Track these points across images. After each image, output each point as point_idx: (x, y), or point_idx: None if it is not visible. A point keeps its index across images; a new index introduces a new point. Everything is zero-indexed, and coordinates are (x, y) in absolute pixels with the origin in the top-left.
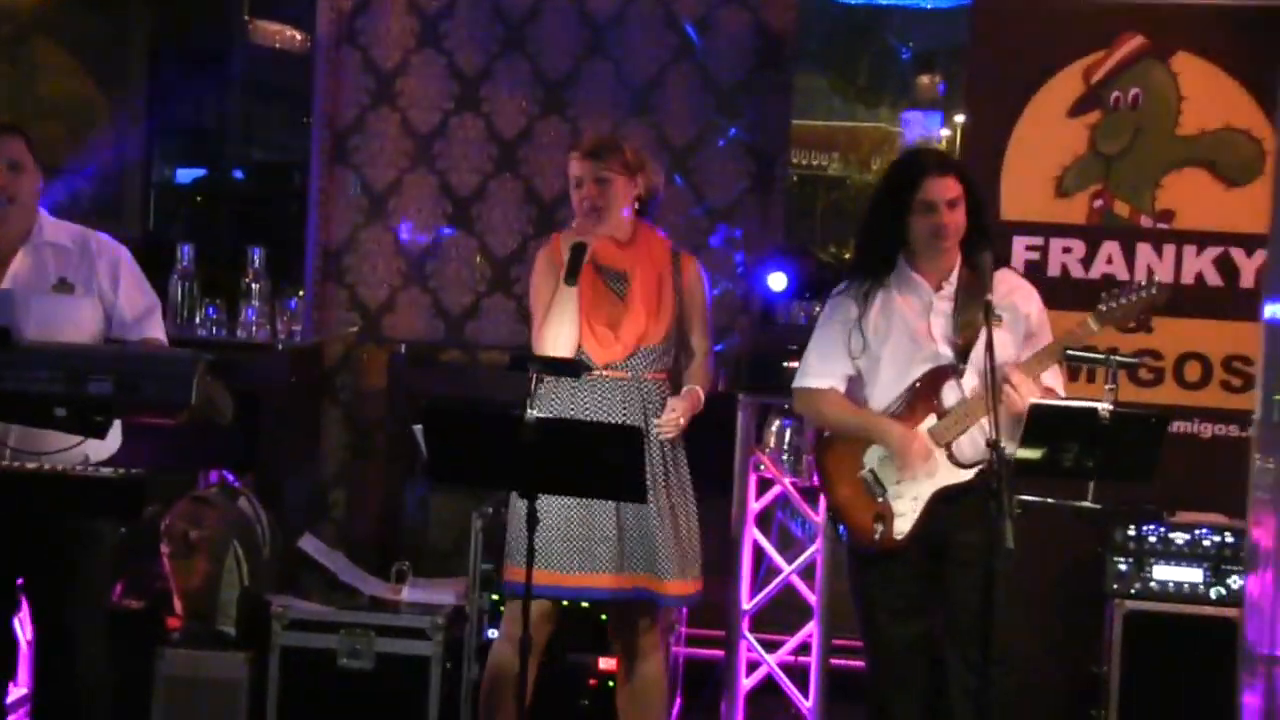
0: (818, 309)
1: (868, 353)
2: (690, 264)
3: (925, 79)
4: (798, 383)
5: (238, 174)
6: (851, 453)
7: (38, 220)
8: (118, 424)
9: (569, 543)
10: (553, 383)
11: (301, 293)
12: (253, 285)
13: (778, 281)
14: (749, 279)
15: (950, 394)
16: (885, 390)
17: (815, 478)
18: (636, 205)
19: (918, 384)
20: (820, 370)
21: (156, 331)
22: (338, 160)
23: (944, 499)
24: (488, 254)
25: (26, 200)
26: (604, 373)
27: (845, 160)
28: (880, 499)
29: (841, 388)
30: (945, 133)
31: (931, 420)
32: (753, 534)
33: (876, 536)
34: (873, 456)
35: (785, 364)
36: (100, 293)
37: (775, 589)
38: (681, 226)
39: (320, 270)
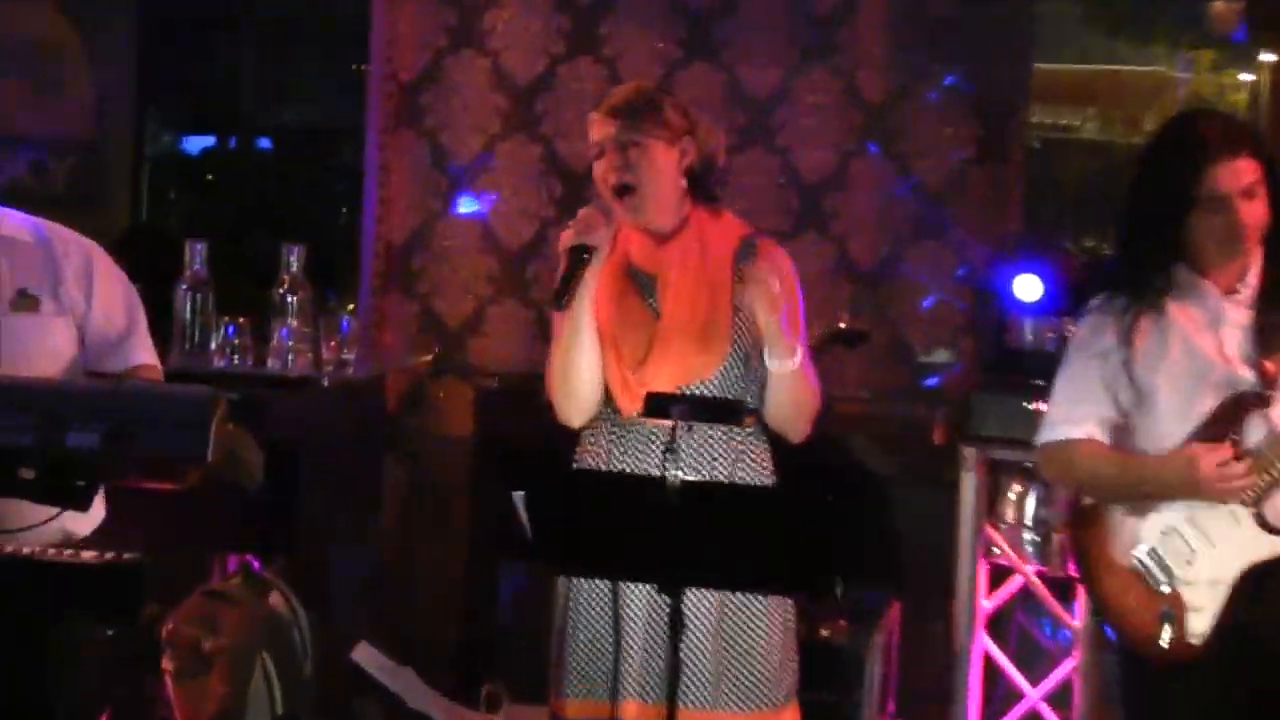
0: (1072, 328)
1: (1137, 389)
2: (769, 252)
3: (1220, 3)
4: (1043, 436)
5: (264, 143)
6: (1121, 527)
7: None
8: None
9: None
10: (594, 431)
11: (354, 307)
12: (288, 298)
13: (1028, 288)
14: (976, 284)
15: (1256, 431)
16: (1164, 433)
17: (1071, 564)
18: (686, 181)
19: (1209, 419)
20: (1070, 416)
21: (146, 355)
22: (404, 123)
23: (1255, 579)
24: None
25: None
26: (646, 420)
27: (1106, 118)
28: (1165, 588)
29: (1102, 438)
30: (1247, 78)
31: None
32: (983, 644)
33: (1164, 642)
34: (1152, 529)
35: (1028, 404)
36: (71, 306)
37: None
38: (876, 211)
39: (381, 276)
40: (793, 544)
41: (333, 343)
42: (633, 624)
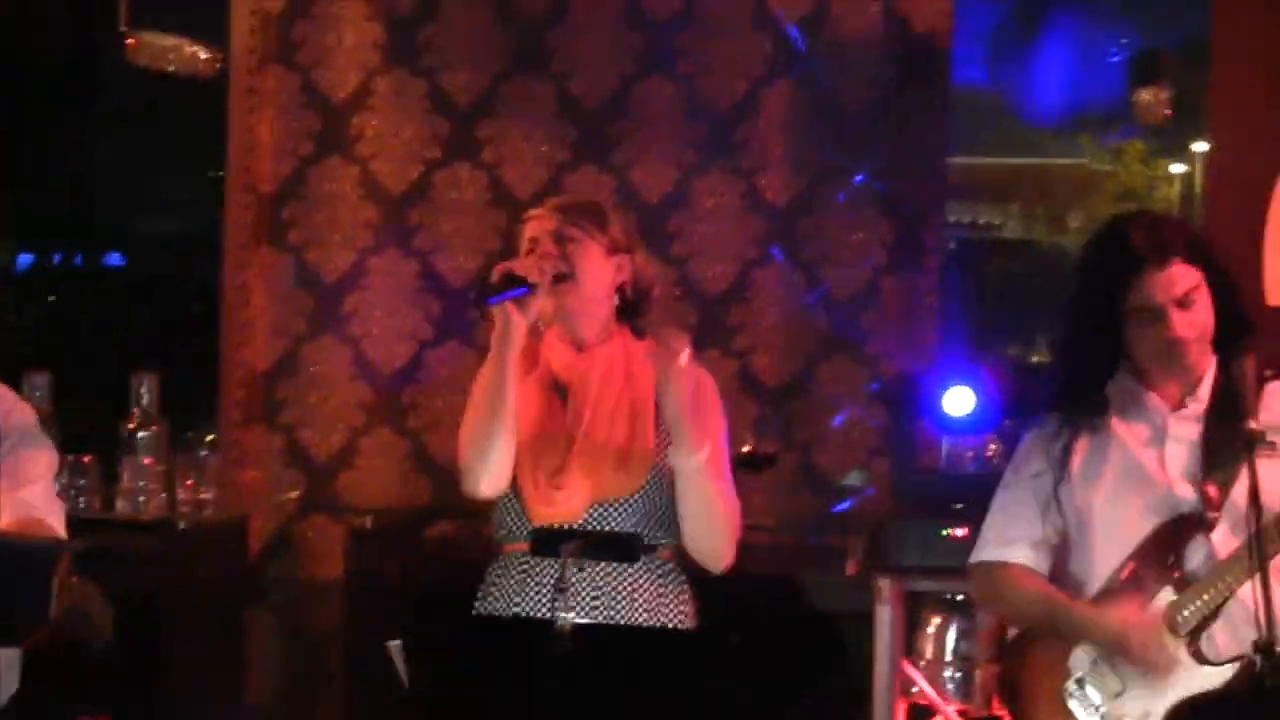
0: (993, 447)
1: (1072, 513)
2: (661, 344)
3: (1147, 93)
4: (974, 556)
5: (114, 259)
6: (1051, 658)
7: None
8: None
9: None
10: (500, 567)
11: (212, 437)
12: (139, 434)
13: (959, 401)
14: (890, 400)
15: (1195, 556)
16: (1102, 557)
17: (997, 700)
18: (618, 301)
19: (1146, 542)
20: (1002, 537)
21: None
22: (267, 238)
23: (1187, 715)
24: None
25: None
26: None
27: (1028, 215)
28: None
29: (1034, 563)
30: (1179, 169)
31: (1168, 595)
32: None
33: None
34: (1081, 661)
35: (947, 531)
36: None
37: None
38: (782, 324)
39: (242, 406)
40: (694, 690)
41: (189, 481)
42: None
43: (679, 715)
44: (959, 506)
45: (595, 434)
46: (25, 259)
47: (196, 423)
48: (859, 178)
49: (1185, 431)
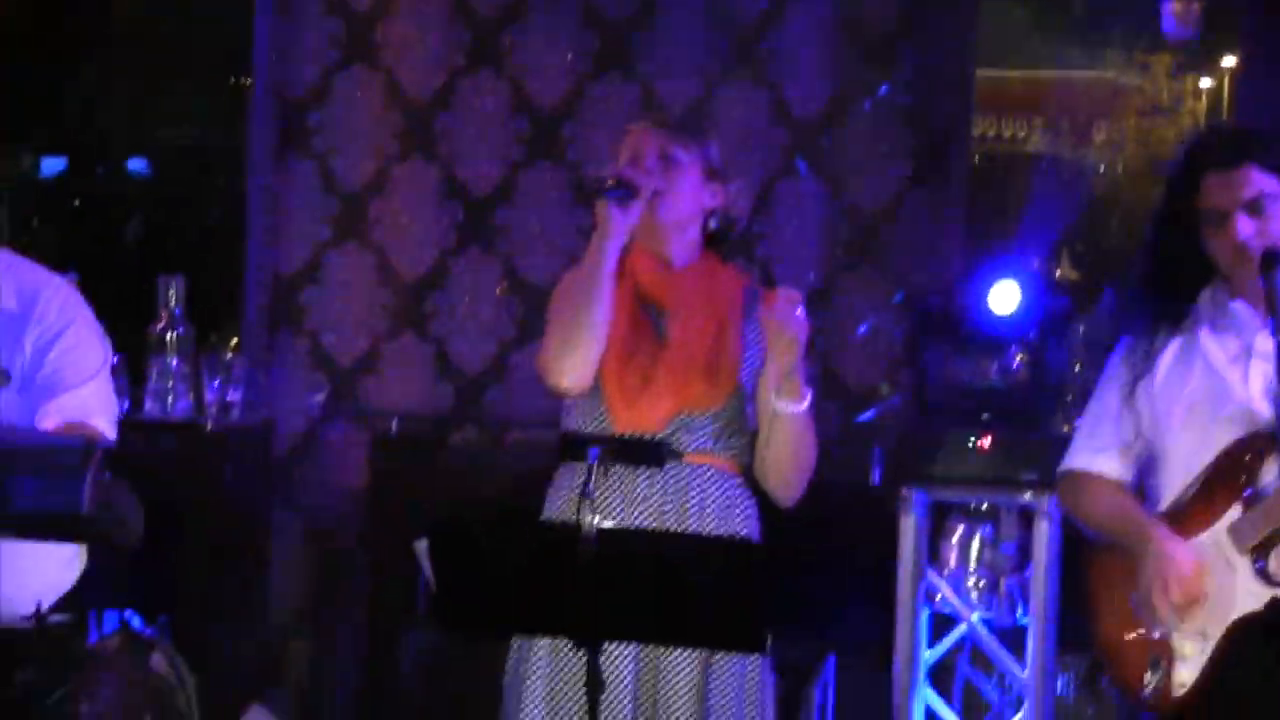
0: (1020, 357)
1: (1151, 422)
2: (777, 298)
3: (1178, 5)
4: (1063, 464)
5: (136, 165)
6: (1125, 567)
7: None
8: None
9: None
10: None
11: (237, 341)
12: (166, 335)
13: (1004, 297)
14: (916, 310)
15: (1268, 475)
16: (1176, 470)
17: (1020, 611)
18: (706, 227)
19: (1221, 460)
20: (1088, 445)
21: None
22: (291, 145)
23: (1244, 633)
24: (519, 283)
25: None
26: (569, 463)
27: (1053, 129)
28: (1157, 633)
29: (1118, 473)
30: (1206, 84)
31: (1236, 513)
32: (926, 697)
33: (1148, 691)
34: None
35: (972, 441)
36: (25, 376)
37: None
38: (806, 236)
39: (267, 311)
40: (718, 595)
41: (216, 383)
42: (619, 694)
43: (702, 623)
44: (984, 417)
45: (682, 348)
46: (49, 166)
47: (222, 328)
48: (884, 90)
49: (1272, 348)
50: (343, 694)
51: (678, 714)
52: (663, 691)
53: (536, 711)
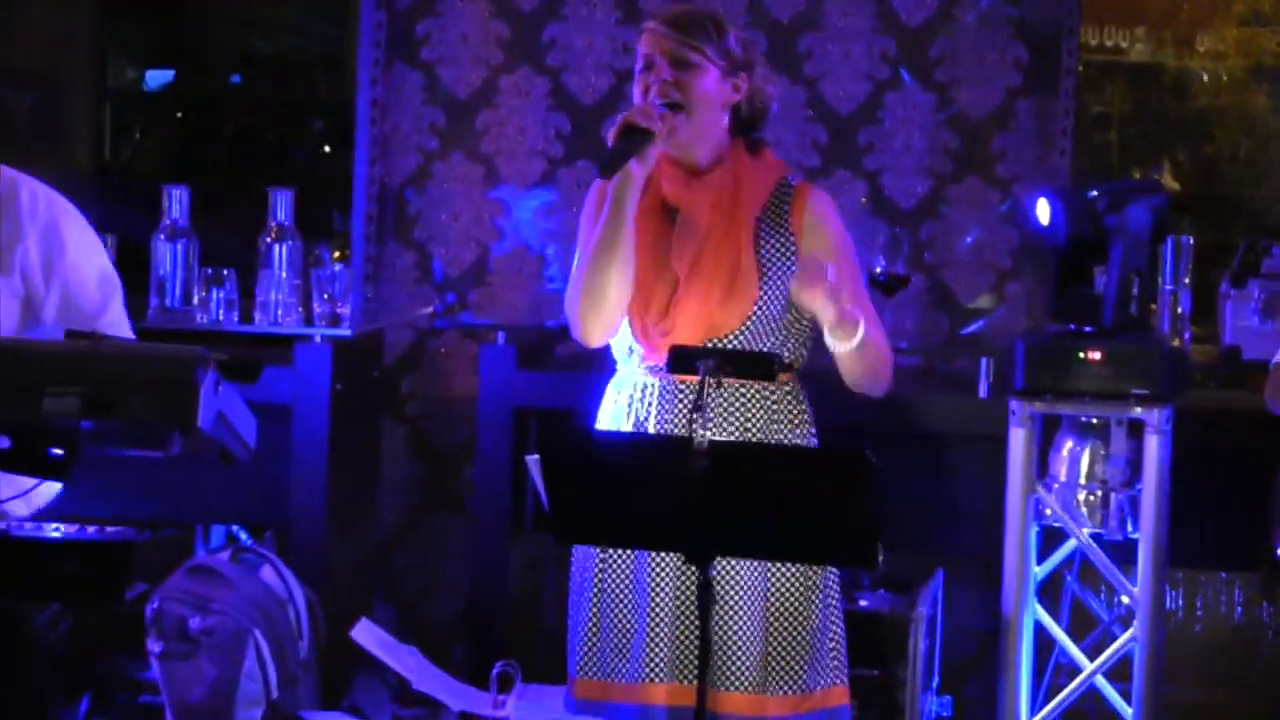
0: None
1: None
2: (808, 198)
3: None
4: (1276, 356)
5: (238, 78)
6: None
7: None
8: None
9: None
10: (632, 388)
11: (344, 253)
12: (275, 247)
13: (1042, 213)
14: (1026, 222)
15: None
16: None
17: (1131, 527)
18: (732, 121)
19: None
20: None
21: (119, 329)
22: (398, 54)
23: None
24: None
25: None
26: (676, 376)
27: (1155, 38)
28: None
29: None
30: None
31: None
32: (1035, 613)
33: None
34: None
35: (1082, 354)
36: (24, 272)
37: (1073, 697)
38: (913, 146)
39: (375, 221)
40: (830, 509)
41: (325, 296)
42: (659, 598)
43: (814, 537)
44: (1091, 329)
45: (703, 269)
46: (153, 77)
47: (330, 239)
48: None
49: None
50: (450, 606)
51: (740, 614)
52: (727, 593)
53: (663, 621)
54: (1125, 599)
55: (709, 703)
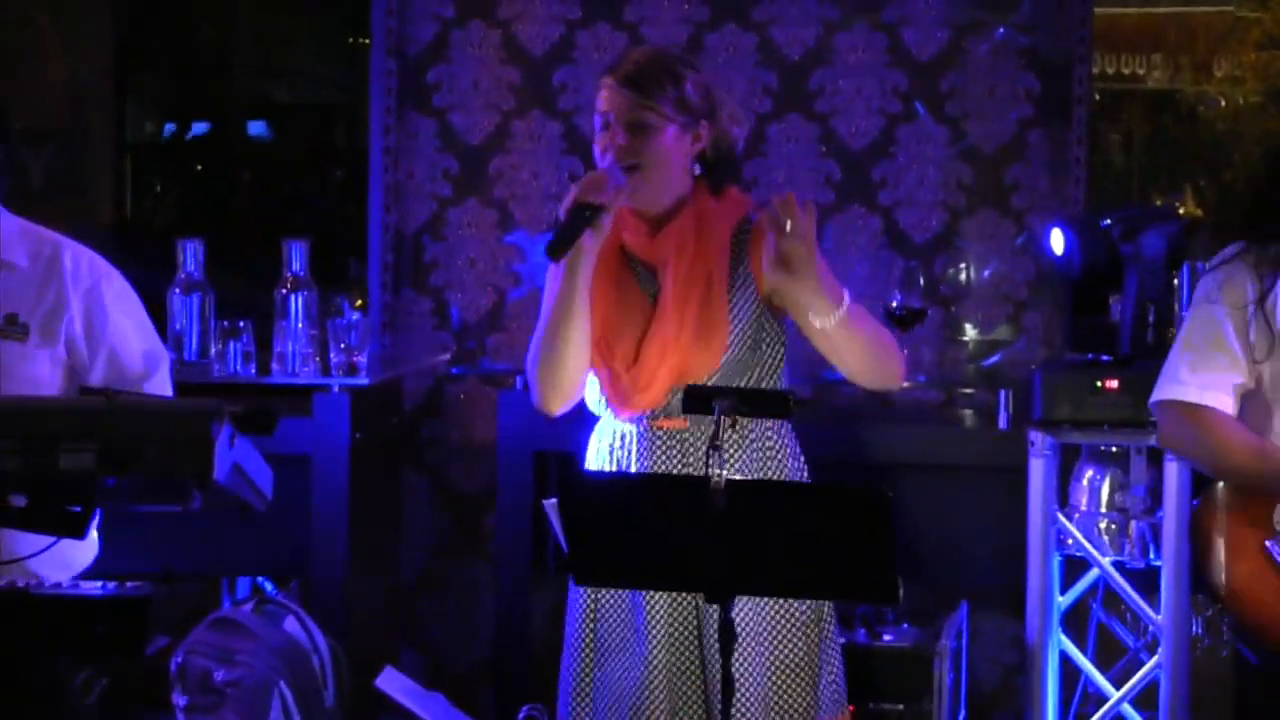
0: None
1: (1276, 354)
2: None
3: None
4: (1163, 394)
5: (255, 127)
6: (1253, 510)
7: None
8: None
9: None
10: (612, 436)
11: (361, 302)
12: (292, 297)
13: (1055, 243)
14: (1039, 254)
15: None
16: None
17: (1153, 554)
18: (698, 167)
19: None
20: (1198, 378)
21: (163, 392)
22: (410, 102)
23: None
24: None
25: None
26: (658, 421)
27: (1172, 64)
28: None
29: (1231, 407)
30: None
31: None
32: (1060, 642)
33: None
34: None
35: (1100, 383)
36: (70, 340)
37: None
38: (927, 179)
39: (391, 269)
40: (849, 545)
41: (341, 345)
42: (654, 645)
43: (834, 573)
44: (1108, 359)
45: (670, 318)
46: (169, 129)
47: (346, 289)
48: (1001, 31)
49: None
50: (475, 652)
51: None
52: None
53: (659, 666)
54: (1151, 625)
55: None
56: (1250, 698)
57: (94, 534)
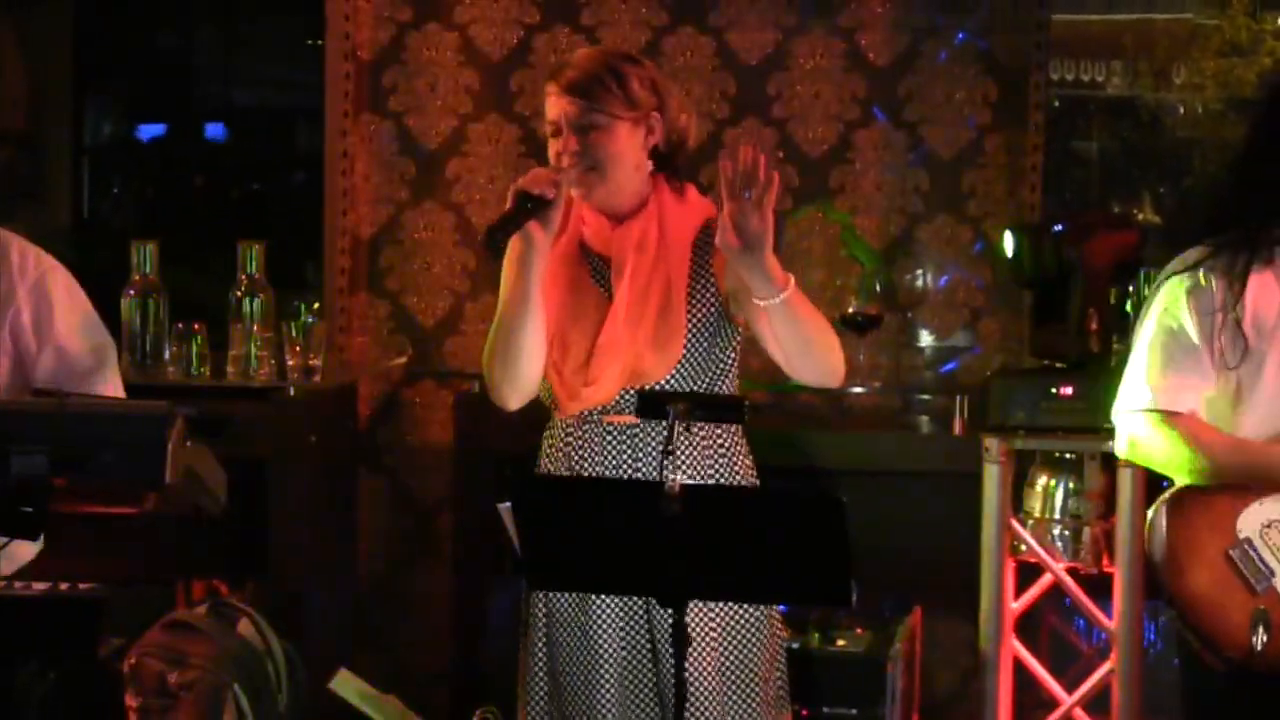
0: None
1: (1248, 359)
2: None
3: None
4: (1128, 405)
5: (213, 130)
6: (1217, 513)
7: None
8: None
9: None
10: (554, 432)
11: (317, 305)
12: (247, 300)
13: (1008, 249)
14: (995, 260)
15: None
16: (1266, 417)
17: (1106, 560)
18: (652, 162)
19: None
20: (1165, 385)
21: (111, 389)
22: (367, 105)
23: None
24: None
25: None
26: (608, 417)
27: (1132, 71)
28: (1262, 587)
29: (1200, 411)
30: None
31: None
32: (1013, 647)
33: (1258, 648)
34: (1252, 521)
35: (1054, 389)
36: (15, 333)
37: None
38: (884, 185)
39: (347, 273)
40: (803, 550)
41: (297, 348)
42: (604, 639)
43: (788, 577)
44: (1061, 367)
45: (626, 317)
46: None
47: (302, 291)
48: (960, 36)
49: None
50: (432, 655)
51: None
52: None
53: (609, 670)
54: (1103, 630)
55: None
56: (1206, 706)
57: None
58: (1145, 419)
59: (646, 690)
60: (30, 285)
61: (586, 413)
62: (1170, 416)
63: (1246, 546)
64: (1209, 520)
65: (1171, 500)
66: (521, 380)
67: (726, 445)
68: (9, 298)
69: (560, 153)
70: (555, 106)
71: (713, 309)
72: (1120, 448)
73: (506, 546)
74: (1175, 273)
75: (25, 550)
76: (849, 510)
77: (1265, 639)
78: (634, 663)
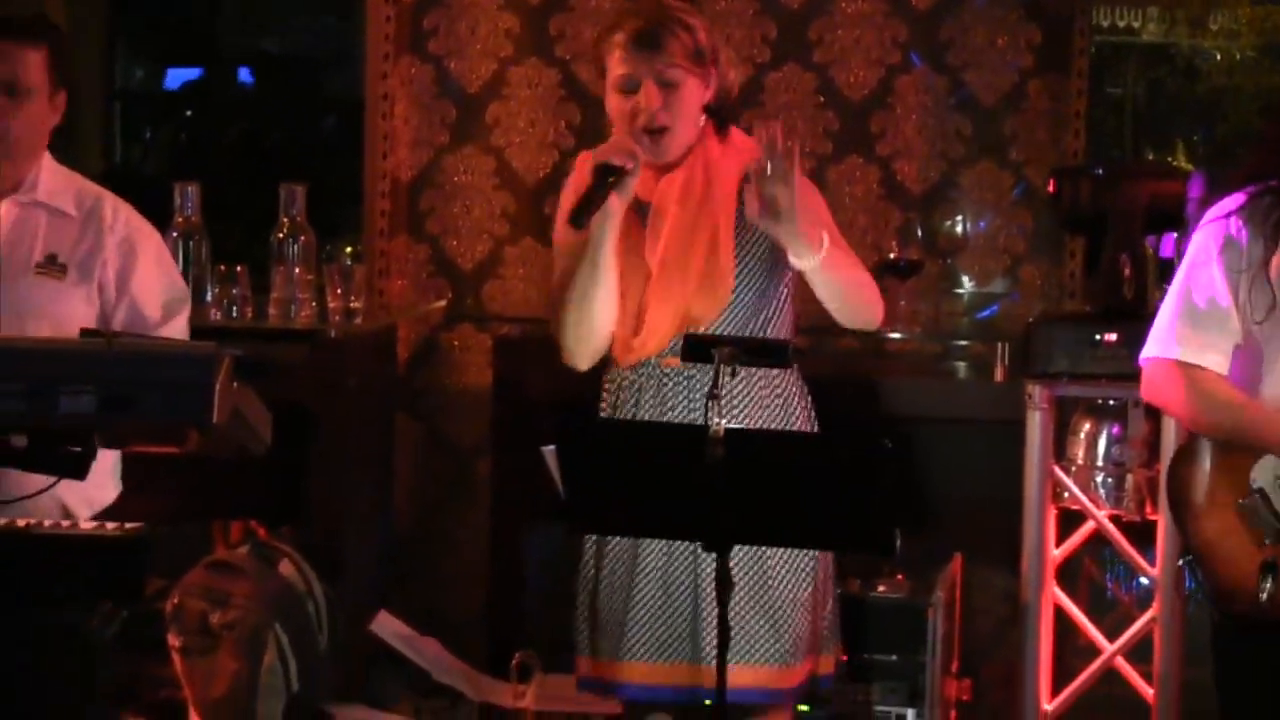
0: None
1: (1272, 316)
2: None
3: None
4: (1154, 352)
5: (246, 74)
6: (1231, 466)
7: (37, 167)
8: (111, 460)
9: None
10: (617, 378)
11: (352, 249)
12: (288, 243)
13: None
14: (1039, 206)
15: None
16: None
17: (1149, 508)
18: (703, 115)
19: None
20: (1191, 338)
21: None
22: (407, 48)
23: None
24: None
25: (26, 137)
26: (665, 360)
27: (1168, 18)
28: (1271, 538)
29: (1223, 368)
30: None
31: None
32: (1053, 595)
33: (1263, 597)
34: (1265, 472)
35: (1097, 336)
36: (102, 283)
37: (1091, 678)
38: (925, 130)
39: (387, 217)
40: (847, 496)
41: (338, 291)
42: (647, 582)
43: (831, 524)
44: (1106, 312)
45: (673, 263)
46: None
47: (342, 235)
48: None
49: None
50: (470, 598)
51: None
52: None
53: (646, 610)
54: (1145, 580)
55: (711, 679)
56: (1218, 656)
57: (117, 477)
58: (1167, 367)
59: (684, 626)
60: (118, 240)
61: (641, 360)
62: (1189, 369)
63: (1259, 497)
64: (1225, 468)
65: (1187, 449)
66: (596, 343)
67: (783, 389)
68: (98, 252)
69: (638, 110)
70: (626, 63)
71: (764, 249)
72: (1144, 391)
73: (548, 490)
74: (1209, 221)
75: (106, 494)
76: (893, 457)
77: (1272, 589)
78: (675, 599)
